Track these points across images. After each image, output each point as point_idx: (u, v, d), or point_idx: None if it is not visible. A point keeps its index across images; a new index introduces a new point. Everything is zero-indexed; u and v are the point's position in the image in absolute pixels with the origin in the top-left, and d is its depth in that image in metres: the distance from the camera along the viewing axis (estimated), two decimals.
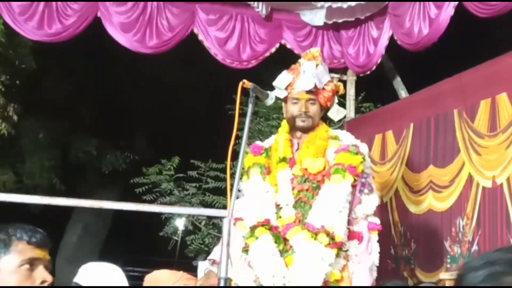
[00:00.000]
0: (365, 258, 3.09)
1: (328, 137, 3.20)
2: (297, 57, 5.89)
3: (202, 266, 3.32)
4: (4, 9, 5.15)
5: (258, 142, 3.38)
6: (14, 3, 5.14)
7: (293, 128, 3.23)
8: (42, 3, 5.19)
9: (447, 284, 3.70)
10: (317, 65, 3.18)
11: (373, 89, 7.18)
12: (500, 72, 3.98)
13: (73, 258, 10.42)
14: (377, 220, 3.21)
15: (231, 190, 2.43)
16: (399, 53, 5.52)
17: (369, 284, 3.10)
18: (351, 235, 3.08)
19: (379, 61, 5.57)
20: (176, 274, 3.04)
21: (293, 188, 3.12)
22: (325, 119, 3.46)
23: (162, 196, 8.22)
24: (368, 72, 5.75)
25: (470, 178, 4.12)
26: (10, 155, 9.62)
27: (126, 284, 2.78)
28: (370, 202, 3.15)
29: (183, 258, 8.97)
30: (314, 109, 3.18)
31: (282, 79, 3.18)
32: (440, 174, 4.41)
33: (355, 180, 3.07)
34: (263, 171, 3.19)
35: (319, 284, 2.93)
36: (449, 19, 4.60)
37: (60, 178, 10.05)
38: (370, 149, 5.32)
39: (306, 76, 3.14)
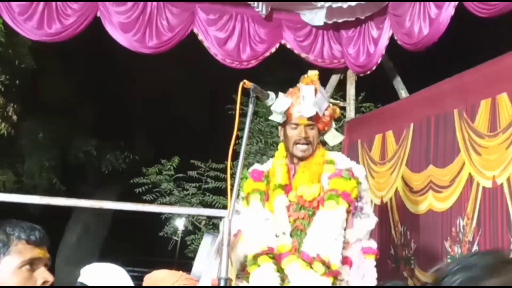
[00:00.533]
0: (356, 284, 3.02)
1: (323, 162, 3.15)
2: (297, 57, 5.93)
3: (207, 238, 3.26)
4: (4, 9, 5.14)
5: (257, 166, 3.31)
6: (14, 3, 5.14)
7: (289, 153, 3.18)
8: (41, 3, 5.19)
9: None
10: (315, 90, 3.13)
11: (373, 89, 7.18)
12: (500, 72, 3.98)
13: (73, 258, 10.41)
14: (372, 244, 3.11)
15: (231, 190, 2.42)
16: (399, 53, 5.52)
17: None
18: (342, 260, 3.04)
19: (379, 61, 5.57)
20: (176, 274, 3.02)
21: (289, 216, 3.08)
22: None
23: (162, 196, 8.22)
24: (368, 72, 5.74)
25: (470, 178, 4.12)
26: (9, 155, 9.62)
27: (129, 283, 2.78)
28: (362, 226, 3.09)
29: (183, 258, 8.97)
30: (313, 134, 3.13)
31: (280, 103, 3.10)
32: (440, 174, 4.41)
33: (349, 206, 3.03)
34: (263, 198, 3.14)
35: None
36: (449, 19, 4.59)
37: (60, 178, 10.04)
38: (370, 149, 5.32)
39: (307, 102, 3.09)
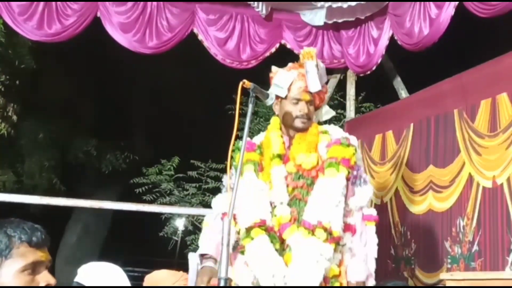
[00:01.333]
0: (359, 251, 3.06)
1: (318, 132, 3.19)
2: (296, 56, 5.93)
3: (193, 258, 3.26)
4: (4, 9, 5.14)
5: (248, 139, 3.34)
6: (14, 3, 5.14)
7: (286, 126, 3.20)
8: (41, 3, 5.19)
9: (448, 284, 3.70)
10: (316, 65, 3.17)
11: (373, 89, 7.18)
12: (500, 72, 3.98)
13: (73, 258, 10.41)
14: (373, 211, 3.19)
15: (231, 190, 2.42)
16: (399, 53, 5.52)
17: (364, 277, 3.07)
18: (345, 228, 3.06)
19: (379, 61, 5.57)
20: (176, 275, 3.02)
21: (287, 186, 3.10)
22: None
23: (162, 196, 8.22)
24: (368, 72, 5.74)
25: (470, 178, 4.12)
26: (9, 155, 9.62)
27: (128, 284, 2.77)
28: (363, 193, 3.14)
29: (183, 258, 8.95)
30: (312, 110, 3.17)
31: (284, 78, 3.14)
32: (440, 174, 4.41)
33: (349, 172, 3.06)
34: (257, 168, 3.14)
35: (320, 279, 2.91)
36: (449, 19, 4.59)
37: (60, 178, 10.04)
38: (370, 149, 5.32)
39: (312, 78, 3.12)
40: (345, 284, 3.02)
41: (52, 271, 1.71)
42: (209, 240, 3.14)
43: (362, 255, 3.07)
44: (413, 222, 4.66)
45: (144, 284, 3.14)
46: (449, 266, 4.22)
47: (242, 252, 3.03)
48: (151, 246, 10.63)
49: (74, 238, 11.28)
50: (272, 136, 3.21)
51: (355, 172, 3.13)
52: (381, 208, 5.01)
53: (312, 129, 3.18)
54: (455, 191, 4.24)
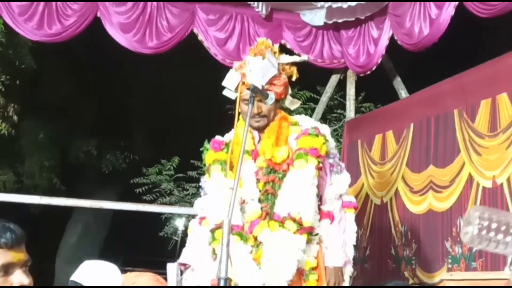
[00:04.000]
0: (338, 237, 3.06)
1: (288, 124, 3.15)
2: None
3: (171, 268, 3.20)
4: (4, 9, 5.14)
5: (218, 137, 3.30)
6: (14, 3, 5.14)
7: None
8: (42, 3, 5.19)
9: (447, 284, 3.70)
10: (263, 60, 3.08)
11: (373, 89, 7.17)
12: (500, 72, 3.98)
13: (73, 258, 10.39)
14: (352, 199, 3.19)
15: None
16: (399, 53, 5.52)
17: (341, 263, 3.06)
18: (322, 215, 3.06)
19: (379, 61, 5.57)
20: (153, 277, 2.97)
21: (258, 181, 3.07)
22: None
23: (162, 196, 8.22)
24: (368, 72, 5.74)
25: (470, 178, 4.12)
26: (10, 155, 9.61)
27: (120, 281, 2.76)
28: (341, 181, 3.13)
29: None
30: (266, 107, 3.09)
31: (230, 80, 3.08)
32: (440, 174, 4.41)
33: (319, 162, 3.03)
34: (224, 167, 3.12)
35: (294, 271, 2.89)
36: (449, 19, 4.59)
37: (60, 178, 10.03)
38: (370, 149, 5.32)
39: (254, 76, 3.03)
40: (323, 275, 3.00)
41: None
42: (188, 248, 3.15)
43: (340, 242, 3.07)
44: (414, 222, 4.66)
45: None
46: (449, 266, 4.22)
47: (215, 255, 2.98)
48: (151, 246, 10.63)
49: (74, 238, 11.27)
50: (240, 132, 3.14)
51: (330, 160, 3.12)
52: (381, 208, 5.01)
53: (281, 122, 3.15)
54: (455, 191, 4.24)
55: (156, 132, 10.93)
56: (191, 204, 8.04)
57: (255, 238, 2.99)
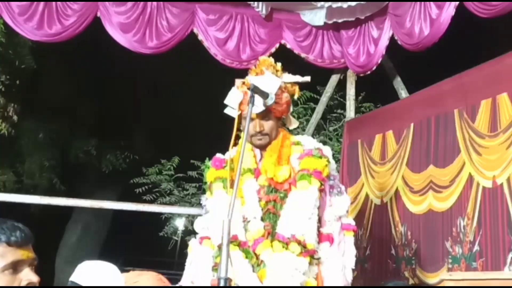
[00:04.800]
0: (336, 261, 3.03)
1: (290, 144, 3.14)
2: (297, 56, 5.93)
3: (194, 242, 3.23)
4: (4, 9, 5.15)
5: (219, 155, 3.28)
6: (14, 3, 5.15)
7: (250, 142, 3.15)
8: (42, 3, 5.19)
9: (447, 284, 3.70)
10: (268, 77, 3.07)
11: (373, 89, 7.17)
12: (500, 72, 3.97)
13: (73, 258, 10.39)
14: (351, 221, 3.16)
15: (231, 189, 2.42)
16: (399, 53, 5.52)
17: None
18: (322, 238, 3.03)
19: (379, 61, 5.56)
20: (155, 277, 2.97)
21: (260, 200, 3.06)
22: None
23: (162, 196, 8.22)
24: (368, 72, 5.74)
25: (470, 178, 4.11)
26: (10, 155, 9.61)
27: (120, 281, 2.76)
28: (340, 203, 3.10)
29: (183, 258, 8.95)
30: (269, 125, 3.08)
31: (232, 98, 3.05)
32: (441, 174, 4.41)
33: (321, 184, 3.02)
34: (226, 185, 3.09)
35: None
36: (450, 19, 4.59)
37: (60, 178, 10.03)
38: (370, 149, 5.32)
39: (260, 91, 3.03)
40: None
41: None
42: (189, 269, 3.14)
43: (340, 265, 3.04)
44: (414, 222, 4.66)
45: None
46: (450, 266, 4.22)
47: (216, 270, 2.92)
48: (151, 246, 10.63)
49: (74, 238, 11.27)
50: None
51: (331, 182, 3.10)
52: (381, 208, 5.01)
53: (284, 141, 3.13)
54: (455, 191, 4.24)
55: (156, 132, 10.92)
56: (191, 204, 8.05)
57: (257, 257, 2.98)
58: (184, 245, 8.94)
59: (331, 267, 3.01)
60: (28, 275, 1.62)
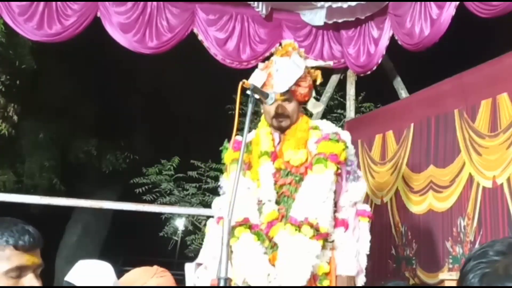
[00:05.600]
0: (351, 246, 3.03)
1: (308, 128, 3.15)
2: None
3: (189, 268, 3.24)
4: (4, 9, 5.14)
5: (238, 137, 3.32)
6: (14, 3, 5.14)
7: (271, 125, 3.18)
8: (42, 4, 5.19)
9: (447, 284, 3.70)
10: (289, 60, 3.10)
11: (373, 89, 7.18)
12: (500, 72, 3.98)
13: (73, 258, 10.34)
14: (366, 207, 3.16)
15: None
16: (399, 53, 5.51)
17: (354, 272, 3.03)
18: (337, 223, 3.03)
19: (379, 61, 5.56)
20: (149, 270, 2.97)
21: (275, 183, 3.07)
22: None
23: (162, 196, 8.22)
24: (369, 72, 5.74)
25: (470, 178, 4.12)
26: (10, 155, 9.62)
27: (113, 279, 2.76)
28: (356, 189, 3.11)
29: (183, 258, 8.97)
30: (290, 107, 3.11)
31: (256, 79, 3.08)
32: (441, 174, 4.41)
33: (338, 168, 3.03)
34: (243, 167, 3.10)
35: (308, 277, 2.88)
36: (450, 19, 4.59)
37: (60, 178, 10.04)
38: (370, 149, 5.32)
39: (280, 77, 3.05)
40: (333, 281, 2.99)
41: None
42: (206, 248, 3.15)
43: (354, 251, 3.04)
44: (414, 222, 4.66)
45: None
46: (450, 266, 4.22)
47: (231, 252, 2.99)
48: (151, 246, 10.62)
49: (74, 238, 11.27)
50: (261, 133, 3.19)
51: (348, 168, 3.11)
52: (381, 208, 5.01)
53: (302, 124, 3.15)
54: (455, 191, 4.24)
55: (156, 132, 10.93)
56: (191, 204, 8.06)
57: (270, 239, 2.99)
58: (184, 245, 8.97)
59: (344, 253, 3.01)
60: (31, 281, 1.61)
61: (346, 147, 3.09)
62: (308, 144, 3.11)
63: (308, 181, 3.01)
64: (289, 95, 3.10)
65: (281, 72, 3.07)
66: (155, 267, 2.95)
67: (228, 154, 3.20)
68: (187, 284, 3.12)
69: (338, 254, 3.01)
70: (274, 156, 3.14)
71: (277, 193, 3.06)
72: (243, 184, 3.06)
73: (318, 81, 3.28)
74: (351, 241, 3.04)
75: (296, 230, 2.93)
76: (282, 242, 2.95)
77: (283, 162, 3.09)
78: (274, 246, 2.98)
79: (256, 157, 3.14)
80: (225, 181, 3.22)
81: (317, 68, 3.25)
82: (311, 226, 2.91)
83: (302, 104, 3.22)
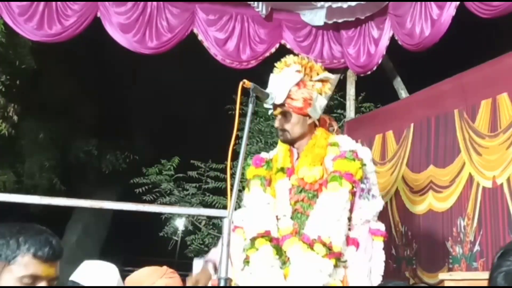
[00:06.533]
0: (362, 265, 2.97)
1: (327, 145, 3.14)
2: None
3: (197, 264, 3.27)
4: (4, 9, 5.14)
5: (262, 154, 3.32)
6: (14, 4, 5.14)
7: None
8: (42, 4, 5.19)
9: (447, 284, 3.70)
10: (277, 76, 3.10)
11: (373, 89, 7.18)
12: (500, 72, 3.98)
13: (73, 258, 10.38)
14: (381, 226, 3.08)
15: (231, 190, 2.41)
16: (400, 53, 5.51)
17: None
18: (348, 241, 3.01)
19: (379, 61, 5.56)
20: (159, 270, 2.97)
21: (290, 199, 3.08)
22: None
23: (162, 196, 8.22)
24: (369, 72, 5.74)
25: (470, 178, 4.12)
26: (10, 155, 9.62)
27: (118, 280, 2.77)
28: (370, 207, 3.07)
29: (183, 258, 8.98)
30: (289, 121, 3.08)
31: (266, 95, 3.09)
32: (441, 174, 4.41)
33: (353, 187, 3.01)
34: (264, 183, 3.13)
35: None
36: (450, 20, 4.59)
37: (60, 178, 10.04)
38: (370, 149, 5.31)
39: (272, 91, 3.03)
40: None
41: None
42: (218, 248, 3.15)
43: (365, 270, 2.98)
44: (414, 222, 4.66)
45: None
46: (450, 266, 4.22)
47: (247, 263, 3.00)
48: (151, 246, 10.63)
49: (74, 238, 11.28)
50: (279, 149, 3.21)
51: (362, 185, 3.08)
52: None
53: (321, 140, 3.13)
54: (455, 191, 4.24)
55: (156, 132, 10.93)
56: (191, 204, 8.06)
57: (281, 252, 3.00)
58: (184, 245, 8.97)
59: (356, 272, 2.98)
60: None
61: (364, 165, 3.08)
62: (325, 161, 3.10)
63: (322, 198, 3.00)
64: (285, 108, 3.08)
65: (270, 88, 3.06)
66: (165, 267, 2.95)
67: (250, 170, 3.22)
68: None
69: (349, 274, 2.99)
70: (290, 172, 3.14)
71: (292, 208, 3.07)
72: (263, 199, 3.09)
73: (326, 93, 3.24)
74: (363, 261, 3.00)
75: (308, 247, 2.91)
76: (294, 257, 2.95)
77: (297, 179, 3.10)
78: (287, 261, 2.98)
79: (274, 173, 3.16)
80: (246, 196, 3.24)
81: (318, 80, 3.22)
82: (324, 244, 2.89)
83: (305, 118, 3.18)
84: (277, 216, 3.07)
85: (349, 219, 3.02)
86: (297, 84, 3.09)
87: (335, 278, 2.92)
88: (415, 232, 4.65)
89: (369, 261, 3.01)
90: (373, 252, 3.04)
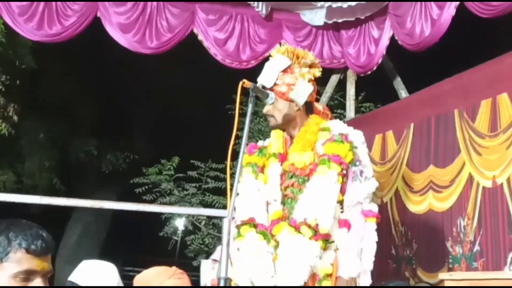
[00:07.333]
0: (352, 246, 2.99)
1: (318, 130, 3.16)
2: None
3: (205, 264, 3.29)
4: (4, 9, 5.15)
5: (259, 142, 3.39)
6: (14, 4, 5.14)
7: None
8: (42, 4, 5.19)
9: (447, 284, 3.70)
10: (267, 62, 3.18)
11: (373, 89, 7.17)
12: (501, 72, 3.97)
13: (73, 258, 10.39)
14: (373, 207, 3.12)
15: (231, 190, 2.42)
16: (399, 53, 5.51)
17: (355, 273, 2.98)
18: (340, 223, 3.03)
19: (379, 61, 5.56)
20: (168, 271, 2.97)
21: (281, 184, 3.11)
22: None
23: (162, 196, 8.22)
24: (369, 72, 5.74)
25: (470, 178, 4.11)
26: (10, 155, 9.62)
27: (117, 280, 2.77)
28: (361, 188, 3.09)
29: (183, 258, 8.97)
30: (275, 107, 3.12)
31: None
32: (441, 174, 4.41)
33: (342, 169, 3.02)
34: (255, 170, 3.18)
35: (305, 278, 2.88)
36: (450, 19, 4.59)
37: (60, 178, 10.04)
38: (370, 149, 5.31)
39: (261, 77, 3.16)
40: (334, 282, 2.97)
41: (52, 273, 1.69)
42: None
43: (355, 251, 2.99)
44: (414, 222, 4.66)
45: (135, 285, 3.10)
46: (450, 266, 4.22)
47: (238, 250, 3.05)
48: (151, 246, 10.63)
49: (74, 238, 11.28)
50: (272, 135, 3.26)
51: (354, 168, 3.10)
52: (381, 208, 4.98)
53: (312, 126, 3.17)
54: (455, 191, 4.24)
55: (156, 132, 10.93)
56: (191, 204, 8.05)
57: (274, 238, 3.01)
58: (184, 245, 8.96)
59: (345, 253, 2.98)
60: (38, 286, 1.61)
61: (354, 147, 3.08)
62: (316, 146, 3.12)
63: (311, 182, 3.03)
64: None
65: (264, 72, 3.15)
66: (174, 268, 2.96)
67: (244, 158, 3.23)
68: (202, 280, 3.14)
69: (339, 255, 3.00)
70: (282, 158, 3.17)
71: (282, 194, 3.08)
72: (254, 186, 3.13)
73: (317, 75, 3.26)
74: (353, 241, 3.01)
75: (295, 231, 2.93)
76: (282, 242, 2.96)
77: (288, 164, 3.11)
78: (277, 246, 2.99)
79: (267, 159, 3.19)
80: (239, 183, 3.26)
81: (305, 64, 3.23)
82: (309, 226, 2.91)
83: (291, 104, 3.18)
84: (268, 202, 3.09)
85: (342, 201, 3.04)
86: (284, 70, 3.12)
87: (326, 261, 2.93)
88: (415, 232, 4.65)
89: (360, 241, 3.02)
90: (365, 232, 3.05)
